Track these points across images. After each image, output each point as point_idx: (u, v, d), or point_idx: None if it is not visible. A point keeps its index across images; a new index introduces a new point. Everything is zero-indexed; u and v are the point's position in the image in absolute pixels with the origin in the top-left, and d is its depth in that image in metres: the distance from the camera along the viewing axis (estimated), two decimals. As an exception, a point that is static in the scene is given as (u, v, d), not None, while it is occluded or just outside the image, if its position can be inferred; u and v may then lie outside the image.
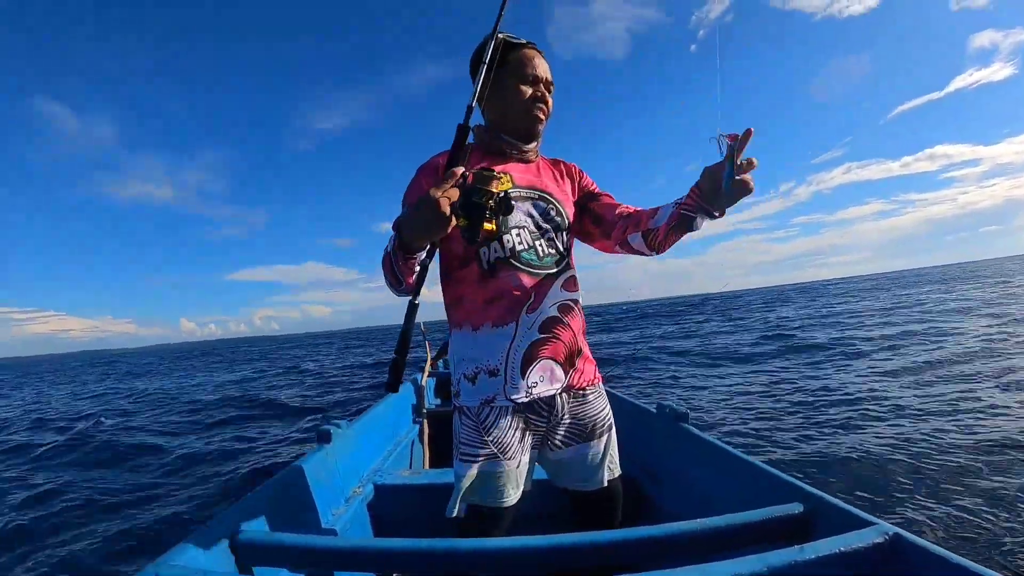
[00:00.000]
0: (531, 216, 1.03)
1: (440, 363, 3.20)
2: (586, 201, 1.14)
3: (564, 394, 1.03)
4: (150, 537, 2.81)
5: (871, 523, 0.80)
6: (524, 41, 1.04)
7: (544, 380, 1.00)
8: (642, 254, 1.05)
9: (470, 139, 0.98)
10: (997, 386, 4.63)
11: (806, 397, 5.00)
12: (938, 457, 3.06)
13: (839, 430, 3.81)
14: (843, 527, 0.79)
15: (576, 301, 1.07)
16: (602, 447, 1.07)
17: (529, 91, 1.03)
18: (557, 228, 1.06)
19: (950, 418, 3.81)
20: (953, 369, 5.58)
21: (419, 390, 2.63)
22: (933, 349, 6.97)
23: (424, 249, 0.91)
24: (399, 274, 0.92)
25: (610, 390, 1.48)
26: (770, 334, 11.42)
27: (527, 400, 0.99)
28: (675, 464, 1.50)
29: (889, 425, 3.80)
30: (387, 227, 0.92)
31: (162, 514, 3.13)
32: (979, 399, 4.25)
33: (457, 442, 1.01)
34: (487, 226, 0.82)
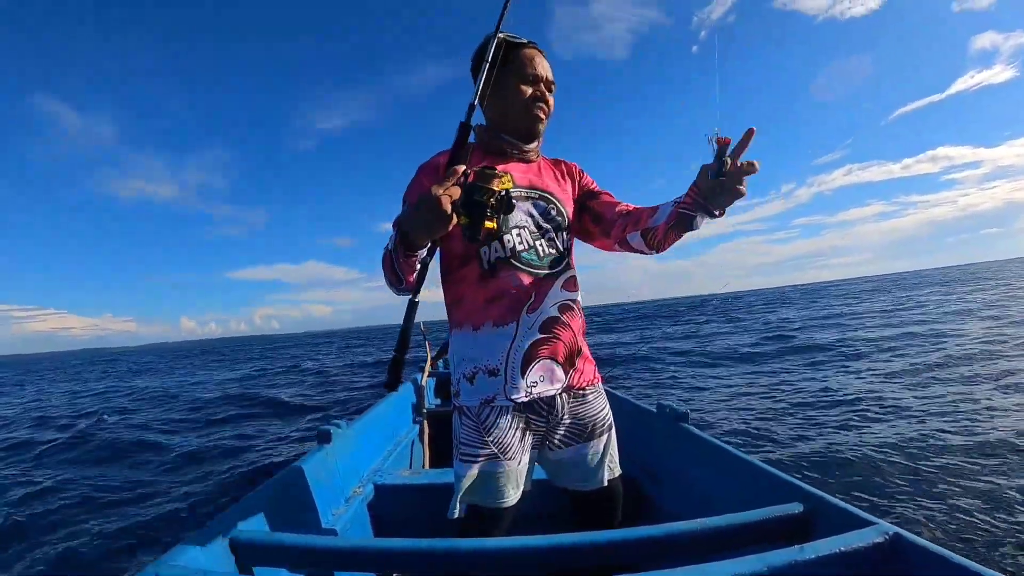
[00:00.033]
0: (531, 216, 1.03)
1: (440, 363, 3.20)
2: (586, 199, 1.14)
3: (564, 394, 1.03)
4: (150, 535, 2.81)
5: (871, 523, 0.80)
6: (525, 41, 1.04)
7: (544, 380, 1.00)
8: (641, 253, 1.05)
9: (471, 138, 0.98)
10: (996, 388, 4.64)
11: (806, 397, 5.00)
12: (938, 458, 3.06)
13: (839, 430, 3.81)
14: (843, 527, 0.79)
15: (576, 301, 1.07)
16: (602, 447, 1.07)
17: (530, 90, 1.03)
18: (558, 228, 1.06)
19: (950, 419, 3.81)
20: (953, 370, 5.58)
21: (419, 390, 2.63)
22: (933, 351, 6.97)
23: (425, 247, 0.91)
24: (400, 272, 0.92)
25: (610, 390, 1.48)
26: (770, 335, 11.42)
27: (527, 400, 0.98)
28: (675, 464, 1.50)
29: (889, 426, 3.80)
30: (387, 227, 0.92)
31: (163, 512, 3.13)
32: (979, 400, 4.25)
33: (457, 442, 1.01)
34: (488, 224, 0.82)
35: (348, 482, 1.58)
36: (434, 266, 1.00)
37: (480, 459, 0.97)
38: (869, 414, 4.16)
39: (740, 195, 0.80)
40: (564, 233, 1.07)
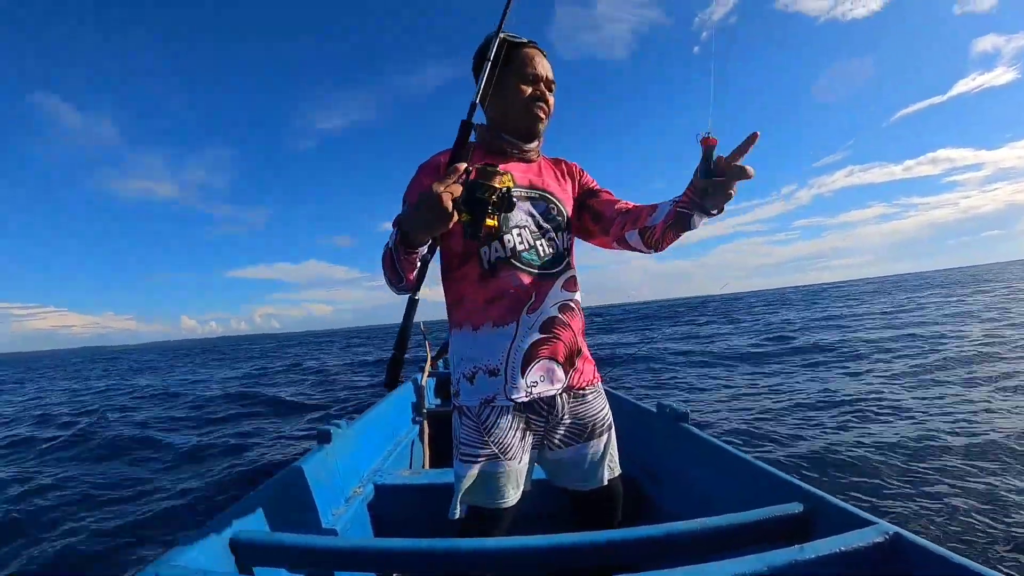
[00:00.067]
0: (532, 216, 1.03)
1: (440, 363, 3.20)
2: (585, 198, 1.14)
3: (564, 394, 1.03)
4: (150, 533, 2.81)
5: (871, 523, 0.80)
6: (525, 40, 1.04)
7: (544, 380, 1.00)
8: (639, 251, 1.05)
9: (472, 137, 0.97)
10: (996, 389, 4.63)
11: (806, 398, 5.00)
12: (938, 458, 3.06)
13: (839, 430, 3.81)
14: (843, 527, 0.79)
15: (576, 301, 1.07)
16: (602, 447, 1.07)
17: (529, 90, 1.03)
18: (558, 228, 1.06)
19: (950, 420, 3.80)
20: (953, 372, 5.58)
21: (419, 390, 2.63)
22: (933, 352, 6.96)
23: (425, 244, 0.90)
24: (400, 269, 0.92)
25: (610, 390, 1.48)
26: (771, 336, 11.42)
27: (527, 400, 0.98)
28: (675, 464, 1.50)
29: (889, 426, 3.80)
30: (387, 226, 0.92)
31: (162, 510, 3.13)
32: (978, 401, 4.25)
33: (457, 442, 1.01)
34: (489, 222, 0.82)
35: (348, 482, 1.58)
36: (434, 265, 1.00)
37: (480, 459, 0.97)
38: (869, 415, 4.15)
39: (729, 198, 0.80)
40: (564, 233, 1.07)
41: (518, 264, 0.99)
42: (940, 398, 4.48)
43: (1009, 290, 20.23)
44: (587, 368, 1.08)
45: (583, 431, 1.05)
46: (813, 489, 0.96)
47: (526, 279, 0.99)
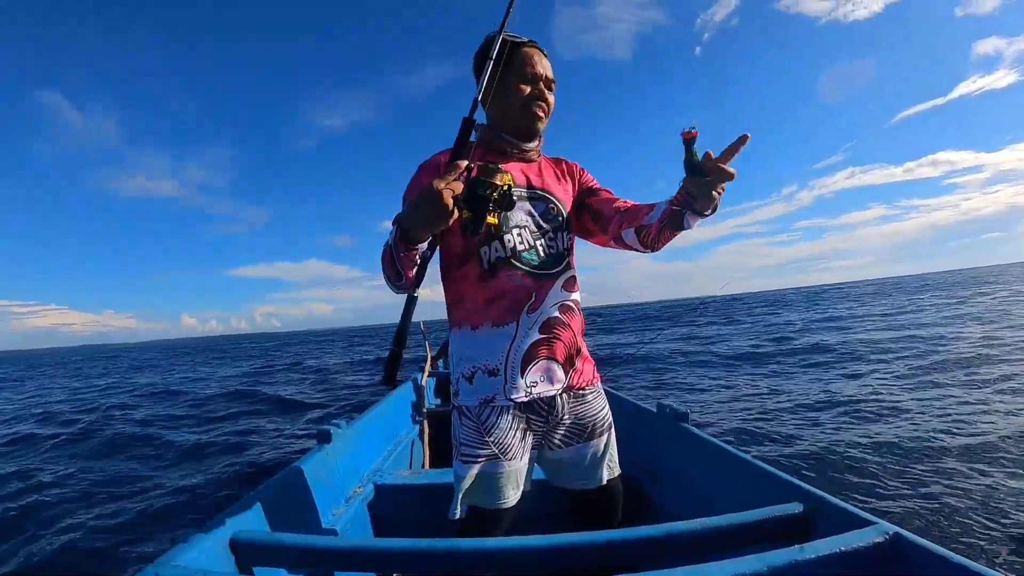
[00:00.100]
0: (532, 216, 1.03)
1: (440, 363, 3.20)
2: (585, 197, 1.13)
3: (564, 394, 1.03)
4: (149, 531, 2.81)
5: (871, 523, 0.80)
6: (526, 40, 1.04)
7: (544, 380, 1.00)
8: (636, 250, 1.05)
9: (473, 136, 0.97)
10: (996, 390, 4.63)
11: (806, 398, 4.99)
12: (937, 459, 3.06)
13: (839, 431, 3.81)
14: (843, 527, 0.79)
15: (576, 301, 1.07)
16: (601, 446, 1.07)
17: (529, 89, 1.02)
18: (558, 228, 1.06)
19: (949, 420, 3.80)
20: (953, 373, 5.58)
21: (419, 390, 2.63)
22: (933, 353, 6.96)
23: (425, 241, 0.90)
24: (400, 267, 0.91)
25: (610, 390, 1.47)
26: (771, 336, 11.41)
27: (527, 400, 0.98)
28: (675, 464, 1.50)
29: (889, 427, 3.80)
30: (387, 225, 0.92)
31: (162, 508, 3.13)
32: (978, 402, 4.25)
33: (457, 443, 1.00)
34: (490, 219, 0.82)
35: (348, 482, 1.58)
36: (434, 265, 1.00)
37: (480, 460, 0.97)
38: (869, 415, 4.15)
39: (714, 199, 0.82)
40: (564, 233, 1.07)
41: (518, 264, 0.99)
42: (939, 399, 4.48)
43: (1010, 292, 20.21)
44: (587, 368, 1.08)
45: (583, 431, 1.05)
46: (813, 489, 0.96)
47: (526, 279, 0.99)
